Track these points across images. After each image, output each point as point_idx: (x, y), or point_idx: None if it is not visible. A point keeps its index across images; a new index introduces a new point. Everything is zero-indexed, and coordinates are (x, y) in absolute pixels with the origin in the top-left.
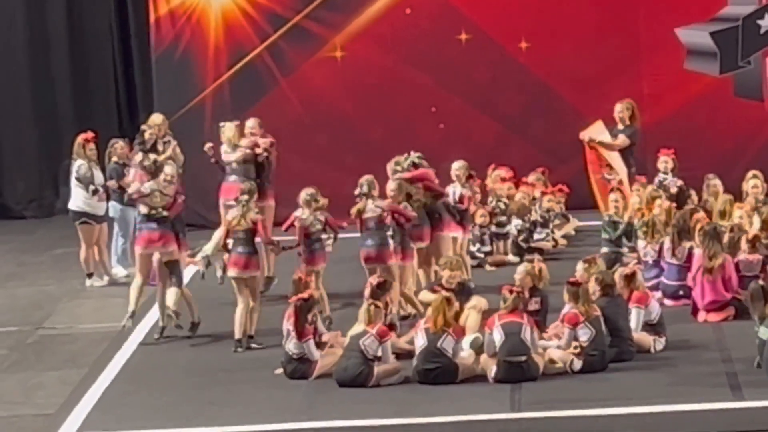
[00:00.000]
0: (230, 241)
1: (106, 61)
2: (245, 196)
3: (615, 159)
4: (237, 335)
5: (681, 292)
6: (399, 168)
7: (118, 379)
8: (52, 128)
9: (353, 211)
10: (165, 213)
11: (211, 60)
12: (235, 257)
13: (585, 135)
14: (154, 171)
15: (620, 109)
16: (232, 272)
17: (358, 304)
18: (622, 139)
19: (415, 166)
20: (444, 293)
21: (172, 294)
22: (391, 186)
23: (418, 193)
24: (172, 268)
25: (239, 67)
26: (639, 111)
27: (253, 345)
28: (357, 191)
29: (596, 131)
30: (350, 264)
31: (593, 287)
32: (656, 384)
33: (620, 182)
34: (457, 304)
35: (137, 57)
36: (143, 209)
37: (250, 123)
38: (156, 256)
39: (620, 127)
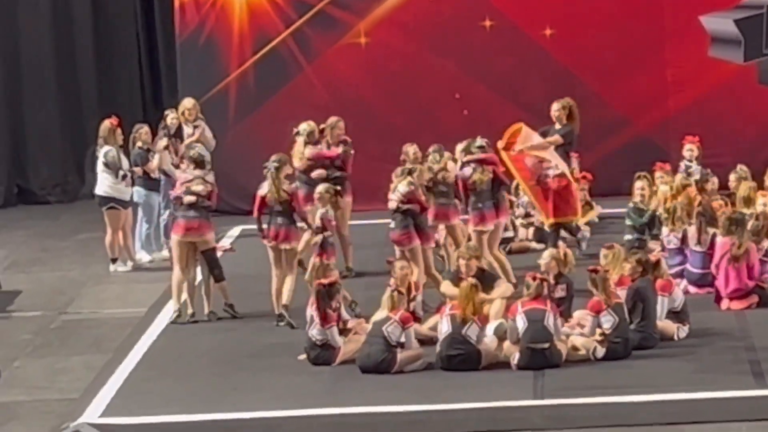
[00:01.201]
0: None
1: (131, 47)
2: (275, 164)
3: (554, 157)
4: (276, 310)
5: (705, 280)
6: (473, 150)
7: (142, 365)
8: (76, 113)
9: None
10: (208, 202)
11: (235, 46)
12: (274, 229)
13: (517, 147)
14: (201, 161)
15: (557, 108)
16: (268, 243)
17: (382, 289)
18: (555, 138)
19: (482, 150)
20: (471, 280)
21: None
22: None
23: (485, 175)
24: (209, 257)
25: (264, 53)
26: (578, 110)
27: (281, 323)
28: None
29: (525, 139)
30: (374, 249)
31: (632, 268)
32: (679, 372)
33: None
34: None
35: (162, 42)
36: (188, 198)
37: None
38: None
39: (557, 126)
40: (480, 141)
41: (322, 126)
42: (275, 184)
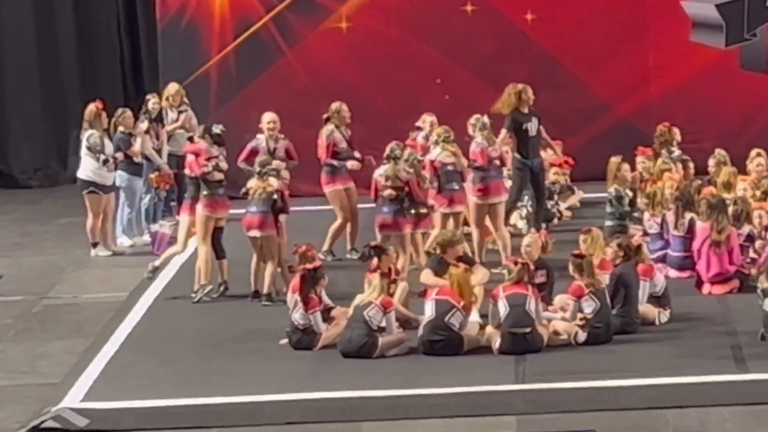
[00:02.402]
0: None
1: (112, 31)
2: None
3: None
4: (252, 287)
5: (686, 264)
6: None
7: (123, 349)
8: (57, 98)
9: (381, 176)
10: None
11: (216, 30)
12: (249, 217)
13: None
14: (221, 141)
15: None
16: (250, 233)
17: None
18: (502, 134)
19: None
20: (463, 266)
21: (224, 265)
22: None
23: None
24: (219, 235)
25: (245, 38)
26: (560, 94)
27: (264, 303)
28: (386, 154)
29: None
30: (365, 234)
31: (614, 252)
32: (661, 356)
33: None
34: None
35: (143, 27)
36: (218, 175)
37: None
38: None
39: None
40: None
41: (326, 115)
42: (263, 182)
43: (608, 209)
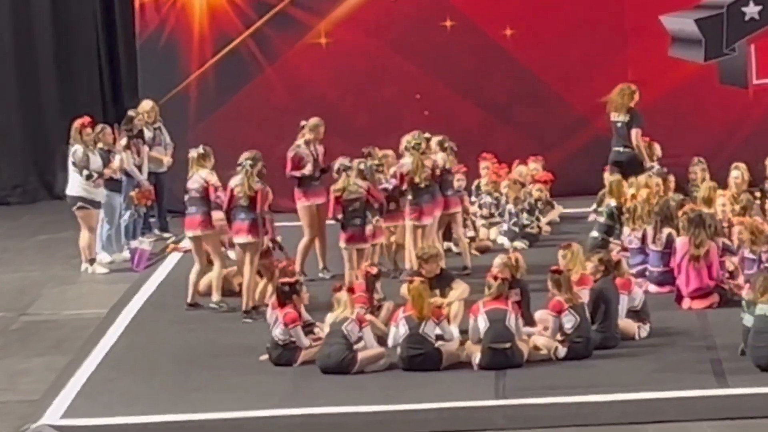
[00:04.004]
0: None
1: (91, 47)
2: (249, 161)
3: None
4: (245, 306)
5: (665, 279)
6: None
7: (103, 366)
8: (36, 114)
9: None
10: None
11: (195, 46)
12: (239, 224)
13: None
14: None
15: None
16: (235, 238)
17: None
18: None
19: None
20: (420, 279)
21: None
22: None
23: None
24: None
25: (224, 54)
26: (540, 109)
27: (247, 319)
28: (336, 167)
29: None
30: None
31: (594, 267)
32: (641, 371)
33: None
34: (437, 291)
35: (122, 43)
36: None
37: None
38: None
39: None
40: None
41: (303, 123)
42: (248, 180)
43: (601, 219)
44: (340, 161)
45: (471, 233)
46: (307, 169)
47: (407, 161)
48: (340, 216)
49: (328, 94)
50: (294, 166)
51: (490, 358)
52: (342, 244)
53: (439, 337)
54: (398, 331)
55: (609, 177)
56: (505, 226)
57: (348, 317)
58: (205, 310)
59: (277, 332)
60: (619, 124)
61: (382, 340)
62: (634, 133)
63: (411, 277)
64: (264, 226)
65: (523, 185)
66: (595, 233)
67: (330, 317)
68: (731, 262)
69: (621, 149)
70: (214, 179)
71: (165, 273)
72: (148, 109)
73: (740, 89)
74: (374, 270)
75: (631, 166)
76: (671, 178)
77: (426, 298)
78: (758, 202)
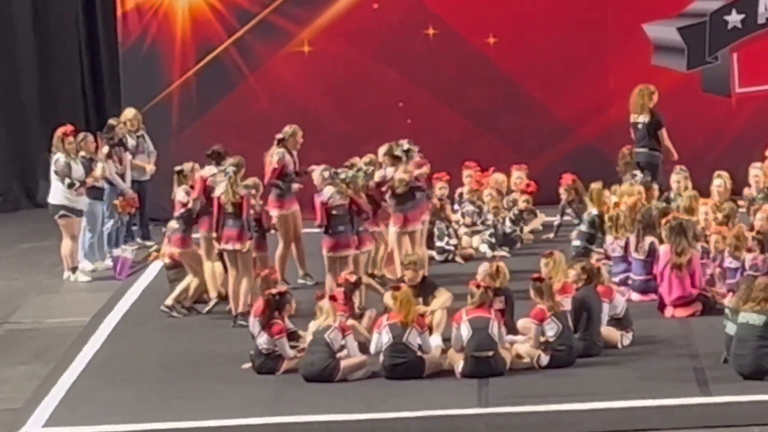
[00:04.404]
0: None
1: (73, 56)
2: (232, 168)
3: None
4: (234, 310)
5: (648, 287)
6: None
7: (85, 374)
8: (18, 122)
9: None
10: None
11: (178, 55)
12: (227, 231)
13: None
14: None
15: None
16: (224, 245)
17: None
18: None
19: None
20: (404, 286)
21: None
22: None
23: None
24: None
25: (206, 62)
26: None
27: (241, 322)
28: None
29: None
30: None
31: (576, 275)
32: (623, 379)
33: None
34: (419, 299)
35: (104, 51)
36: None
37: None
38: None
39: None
40: (406, 144)
41: (279, 136)
42: (232, 187)
43: (583, 228)
44: (319, 169)
45: (454, 241)
46: (290, 177)
47: (389, 170)
48: (324, 223)
49: (311, 102)
50: (279, 175)
51: (473, 367)
52: (325, 251)
53: (419, 347)
54: (381, 338)
55: (675, 176)
56: (487, 234)
57: (331, 325)
58: (186, 319)
59: (262, 341)
60: (639, 125)
61: (364, 347)
62: (662, 133)
63: (396, 284)
64: (250, 231)
65: (501, 194)
66: (576, 242)
67: (313, 325)
68: (714, 269)
69: (639, 150)
70: (180, 196)
71: (147, 281)
72: (131, 117)
73: (723, 98)
74: (353, 278)
75: (649, 167)
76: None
77: (413, 304)
78: (743, 210)
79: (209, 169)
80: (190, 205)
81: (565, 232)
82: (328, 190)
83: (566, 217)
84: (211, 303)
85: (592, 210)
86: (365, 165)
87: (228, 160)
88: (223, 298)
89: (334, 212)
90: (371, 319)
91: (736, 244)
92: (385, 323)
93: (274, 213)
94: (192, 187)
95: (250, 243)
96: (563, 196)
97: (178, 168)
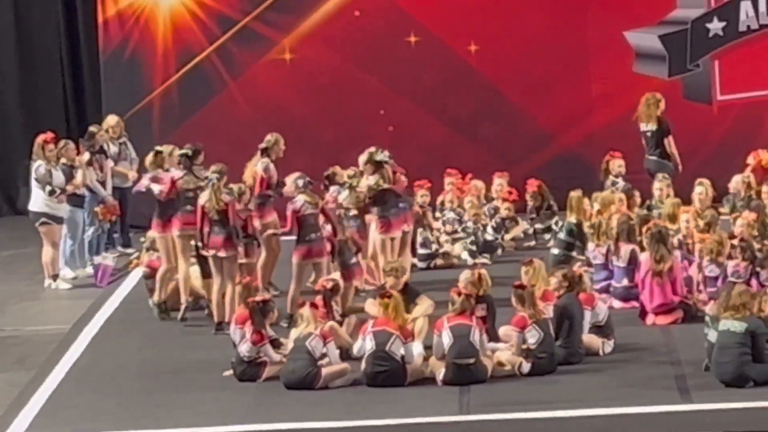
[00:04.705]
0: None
1: (54, 63)
2: (216, 174)
3: None
4: (216, 318)
5: (629, 294)
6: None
7: (66, 382)
8: None
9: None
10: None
11: (159, 62)
12: (213, 238)
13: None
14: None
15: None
16: (210, 253)
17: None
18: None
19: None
20: (396, 293)
21: (206, 285)
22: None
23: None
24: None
25: (188, 69)
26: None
27: (219, 332)
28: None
29: None
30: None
31: (558, 283)
32: (605, 387)
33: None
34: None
35: (85, 58)
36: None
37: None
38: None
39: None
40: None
41: (262, 146)
42: (215, 194)
43: (561, 236)
44: (293, 177)
45: (435, 246)
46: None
47: (372, 178)
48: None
49: (292, 110)
50: (268, 185)
51: (454, 374)
52: (295, 259)
53: (402, 357)
54: (365, 344)
55: (657, 183)
56: (468, 241)
57: (312, 333)
58: (167, 326)
59: (243, 349)
60: (648, 133)
61: (346, 354)
62: (668, 141)
63: (384, 291)
64: (238, 238)
65: (480, 200)
66: (555, 250)
67: (294, 333)
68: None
69: (650, 158)
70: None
71: (128, 288)
72: (113, 124)
73: (704, 105)
74: (330, 284)
75: (658, 172)
76: (636, 193)
77: (403, 311)
78: (725, 217)
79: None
80: (161, 197)
81: (545, 240)
82: (300, 199)
83: (538, 224)
84: (182, 308)
85: (570, 218)
86: (349, 177)
87: (210, 168)
88: (196, 300)
89: (305, 221)
90: (350, 326)
91: (718, 249)
92: (369, 330)
93: (256, 223)
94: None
95: (241, 250)
96: (529, 202)
97: (158, 148)
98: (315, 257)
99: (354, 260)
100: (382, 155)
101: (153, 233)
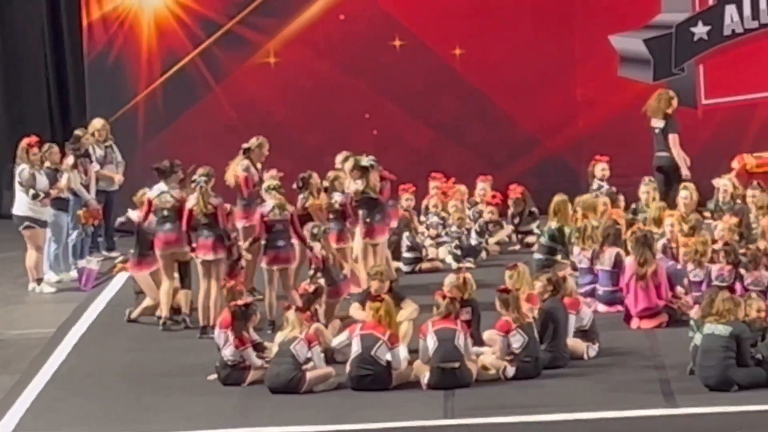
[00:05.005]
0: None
1: (39, 66)
2: (203, 177)
3: None
4: (202, 322)
5: (614, 298)
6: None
7: (50, 385)
8: None
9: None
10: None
11: (143, 65)
12: (202, 241)
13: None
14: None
15: (340, 159)
16: (199, 256)
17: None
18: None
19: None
20: (387, 297)
21: (184, 296)
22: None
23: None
24: (185, 269)
25: (172, 73)
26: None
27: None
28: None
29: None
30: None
31: (542, 287)
32: (589, 391)
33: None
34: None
35: (70, 62)
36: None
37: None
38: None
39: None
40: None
41: (246, 146)
42: (203, 197)
43: (543, 241)
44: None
45: (417, 253)
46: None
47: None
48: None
49: (277, 113)
50: (250, 188)
51: (439, 378)
52: (263, 264)
53: (388, 363)
54: (351, 346)
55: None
56: (452, 245)
57: (297, 337)
58: (152, 330)
59: (227, 353)
60: (657, 130)
61: (331, 358)
62: (671, 138)
63: (374, 295)
64: (229, 240)
65: (463, 204)
66: (538, 255)
67: (279, 336)
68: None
69: (661, 154)
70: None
71: (113, 292)
72: (99, 128)
73: (689, 109)
74: (311, 288)
75: (671, 171)
76: (621, 197)
77: (395, 315)
78: (709, 221)
79: (157, 188)
80: (142, 225)
81: (530, 244)
82: (270, 204)
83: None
84: (162, 319)
85: (551, 223)
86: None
87: (198, 171)
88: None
89: (273, 226)
90: (335, 329)
91: (702, 251)
92: (357, 332)
93: (240, 225)
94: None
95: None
96: (511, 208)
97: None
98: (282, 263)
99: (341, 276)
100: (367, 160)
101: (133, 272)
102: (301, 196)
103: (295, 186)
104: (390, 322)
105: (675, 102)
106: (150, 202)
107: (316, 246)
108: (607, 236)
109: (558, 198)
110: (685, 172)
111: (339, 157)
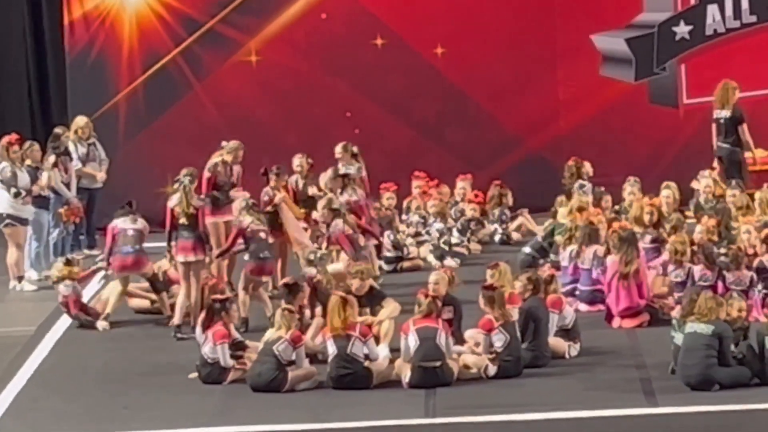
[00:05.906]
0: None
1: (20, 64)
2: (187, 177)
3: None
4: (176, 321)
5: (594, 297)
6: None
7: (31, 384)
8: None
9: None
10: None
11: (125, 64)
12: (182, 242)
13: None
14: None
15: (339, 151)
16: (179, 257)
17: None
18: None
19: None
20: (340, 294)
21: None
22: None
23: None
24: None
25: (153, 71)
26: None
27: (181, 335)
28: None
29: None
30: None
31: (523, 286)
32: (571, 390)
33: None
34: (367, 309)
35: (51, 60)
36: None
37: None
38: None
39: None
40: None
41: (224, 144)
42: (186, 197)
43: (539, 238)
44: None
45: (399, 253)
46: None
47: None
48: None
49: (258, 112)
50: (213, 187)
51: (420, 377)
52: (245, 271)
53: (366, 356)
54: (328, 348)
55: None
56: (432, 244)
57: (281, 337)
58: (132, 329)
59: (206, 350)
60: (722, 120)
61: (314, 357)
62: (742, 128)
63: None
64: (208, 242)
65: (445, 203)
66: (526, 249)
67: (267, 334)
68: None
69: (722, 144)
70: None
71: (93, 291)
72: (83, 125)
73: (671, 109)
74: (291, 280)
75: (730, 161)
76: (607, 197)
77: (340, 313)
78: (692, 221)
79: (122, 220)
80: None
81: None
82: (247, 220)
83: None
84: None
85: (546, 224)
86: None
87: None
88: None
89: (253, 237)
90: (318, 327)
91: (681, 250)
92: (329, 334)
93: (208, 221)
94: None
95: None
96: (488, 206)
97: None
98: (265, 275)
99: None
100: (345, 169)
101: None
102: (267, 188)
103: (262, 173)
104: (339, 319)
105: (738, 92)
106: (114, 230)
107: (311, 270)
108: (584, 236)
109: (560, 198)
110: (751, 156)
111: (338, 148)
